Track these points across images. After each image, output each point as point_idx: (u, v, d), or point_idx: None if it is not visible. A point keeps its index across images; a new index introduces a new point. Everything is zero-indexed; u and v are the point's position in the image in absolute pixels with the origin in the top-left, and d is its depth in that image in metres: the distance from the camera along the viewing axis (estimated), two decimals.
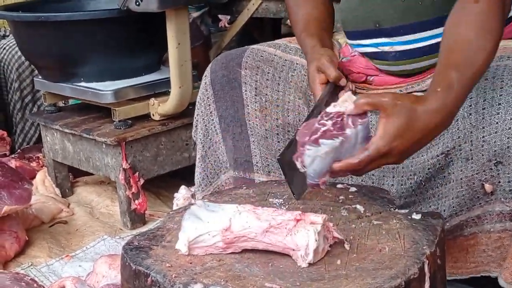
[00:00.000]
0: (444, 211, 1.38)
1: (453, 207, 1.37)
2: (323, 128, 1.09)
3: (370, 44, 1.47)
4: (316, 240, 1.02)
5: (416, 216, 1.16)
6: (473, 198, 1.36)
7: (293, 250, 1.04)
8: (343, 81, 1.38)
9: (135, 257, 1.09)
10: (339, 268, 1.01)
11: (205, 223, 1.08)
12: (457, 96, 1.15)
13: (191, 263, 1.06)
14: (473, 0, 1.22)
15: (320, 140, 1.08)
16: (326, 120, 1.10)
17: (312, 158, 1.09)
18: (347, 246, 1.08)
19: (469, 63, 1.18)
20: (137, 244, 1.14)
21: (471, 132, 1.31)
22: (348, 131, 1.09)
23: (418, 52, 1.42)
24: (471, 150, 1.32)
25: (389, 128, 1.10)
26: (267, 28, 4.27)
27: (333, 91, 1.37)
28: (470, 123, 1.32)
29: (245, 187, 1.38)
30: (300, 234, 1.03)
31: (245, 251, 1.08)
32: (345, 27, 1.54)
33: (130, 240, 1.16)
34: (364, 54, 1.51)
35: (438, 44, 1.37)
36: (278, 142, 1.53)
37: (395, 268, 1.00)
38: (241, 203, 1.27)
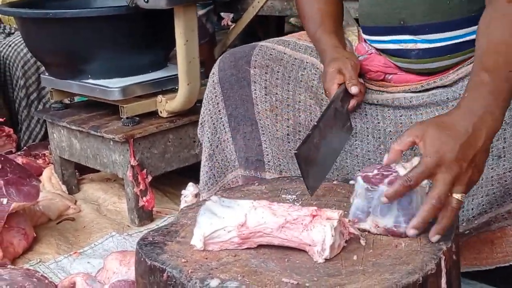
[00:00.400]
0: (472, 209, 1.35)
1: (483, 205, 1.35)
2: (369, 173, 1.11)
3: (391, 41, 1.45)
4: (332, 236, 1.02)
5: None
6: (504, 195, 1.34)
7: (309, 245, 1.04)
8: (354, 89, 1.39)
9: (150, 253, 1.09)
10: (355, 264, 1.01)
11: (220, 219, 1.08)
12: (489, 95, 1.13)
13: (206, 258, 1.06)
14: (506, 1, 1.22)
15: (358, 177, 1.11)
16: (377, 170, 1.11)
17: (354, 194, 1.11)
18: (363, 242, 1.07)
19: (503, 64, 1.16)
20: (151, 239, 1.14)
21: (504, 130, 1.29)
22: (380, 186, 1.09)
23: (442, 51, 1.41)
24: (504, 147, 1.31)
25: (426, 143, 1.08)
26: (271, 26, 4.26)
27: (347, 91, 1.39)
28: (504, 120, 1.29)
29: (257, 184, 1.38)
30: (317, 229, 1.03)
31: (260, 246, 1.08)
32: (365, 22, 1.52)
33: (144, 235, 1.16)
34: (383, 51, 1.50)
35: (462, 43, 1.38)
36: (289, 142, 1.52)
37: (412, 263, 1.00)
38: (254, 199, 1.28)
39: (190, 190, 2.11)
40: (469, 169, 1.09)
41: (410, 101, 1.44)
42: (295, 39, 1.62)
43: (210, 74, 1.61)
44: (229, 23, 4.92)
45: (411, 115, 1.45)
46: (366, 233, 1.10)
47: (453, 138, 1.09)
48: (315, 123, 1.26)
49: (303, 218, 1.04)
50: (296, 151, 1.17)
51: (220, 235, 1.07)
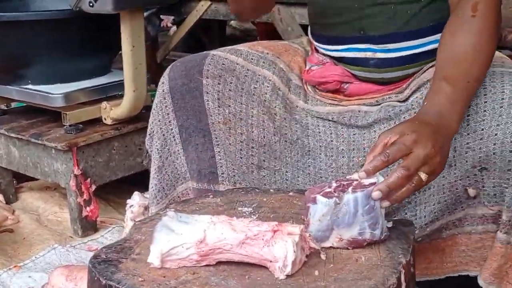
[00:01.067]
0: (425, 217, 1.38)
1: (435, 212, 1.38)
2: (326, 190, 1.10)
3: (349, 49, 1.45)
4: (294, 252, 1.00)
5: (388, 224, 1.16)
6: (455, 202, 1.37)
7: (271, 261, 1.01)
8: None
9: (104, 271, 1.04)
10: (317, 280, 1.00)
11: (178, 235, 1.04)
12: (447, 103, 1.19)
13: (164, 276, 1.02)
14: (470, 14, 1.27)
15: (317, 197, 1.08)
16: (335, 183, 1.11)
17: (312, 216, 1.09)
18: (323, 256, 1.06)
19: (462, 75, 1.22)
20: (104, 257, 1.09)
21: (455, 139, 1.32)
22: (345, 195, 1.08)
23: (400, 61, 1.42)
24: (454, 156, 1.34)
25: (403, 129, 1.14)
26: (213, 30, 4.24)
27: None
28: None
29: (211, 196, 1.35)
30: (278, 245, 1.01)
31: (219, 263, 1.05)
32: (321, 31, 1.51)
33: (96, 253, 1.11)
34: (340, 60, 1.49)
35: (420, 53, 1.40)
36: (241, 158, 1.50)
37: (374, 278, 0.99)
38: (209, 212, 1.25)
39: (136, 199, 2.06)
40: (438, 155, 1.14)
41: (367, 120, 1.45)
42: (248, 48, 1.59)
43: (160, 83, 1.56)
44: (169, 24, 4.87)
45: (364, 133, 1.45)
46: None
47: (425, 125, 1.16)
48: None
49: (264, 233, 1.02)
50: None
51: (178, 252, 1.04)
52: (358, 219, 1.08)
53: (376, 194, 1.08)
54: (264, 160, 1.50)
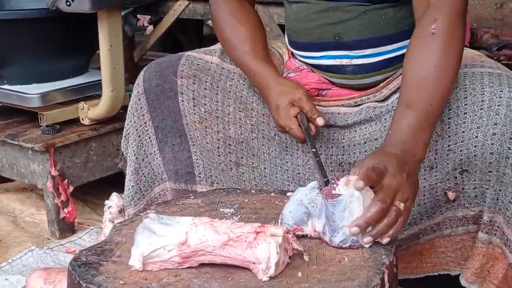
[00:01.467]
0: None
1: (414, 215, 1.38)
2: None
3: (326, 56, 1.44)
4: (277, 253, 0.99)
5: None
6: (434, 206, 1.37)
7: (254, 263, 1.01)
8: (320, 121, 1.36)
9: (84, 274, 1.02)
10: (301, 281, 0.99)
11: (160, 237, 1.03)
12: (409, 130, 1.18)
13: (146, 279, 1.01)
14: (430, 32, 1.23)
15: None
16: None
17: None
18: (306, 258, 1.06)
19: (424, 100, 1.20)
20: (85, 260, 1.07)
21: (436, 141, 1.33)
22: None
23: (377, 66, 1.42)
24: (435, 159, 1.34)
25: (368, 166, 1.09)
26: (190, 29, 4.22)
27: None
28: (435, 132, 1.32)
29: (192, 197, 1.34)
30: (261, 247, 1.00)
31: (201, 265, 1.04)
32: (297, 38, 1.49)
33: (76, 256, 1.09)
34: (316, 67, 1.48)
35: (396, 57, 1.39)
36: (219, 156, 1.49)
37: (357, 279, 0.99)
38: (191, 213, 1.24)
39: (114, 200, 2.04)
40: (408, 180, 1.11)
41: (346, 120, 1.45)
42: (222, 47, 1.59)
43: (135, 85, 1.55)
44: (145, 24, 4.84)
45: (344, 132, 1.45)
46: (309, 247, 1.09)
47: (389, 156, 1.12)
48: (313, 150, 1.27)
49: (246, 235, 1.02)
50: (326, 179, 1.19)
51: (160, 254, 1.03)
52: (323, 219, 1.09)
53: (354, 230, 1.04)
54: (242, 157, 1.49)
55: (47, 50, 2.20)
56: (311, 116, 1.35)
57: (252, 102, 1.50)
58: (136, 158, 1.55)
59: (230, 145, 1.49)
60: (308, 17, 1.44)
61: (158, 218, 1.06)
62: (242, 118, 1.49)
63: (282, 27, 1.60)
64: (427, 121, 1.20)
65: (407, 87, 1.23)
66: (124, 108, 2.30)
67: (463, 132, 1.30)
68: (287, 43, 1.56)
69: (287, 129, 1.36)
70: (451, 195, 1.34)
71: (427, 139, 1.21)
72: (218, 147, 1.49)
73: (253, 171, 1.50)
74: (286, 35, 1.56)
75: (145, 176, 1.56)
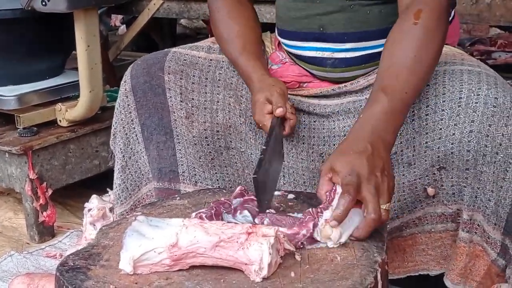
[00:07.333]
0: None
1: (394, 210, 1.38)
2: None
3: (309, 47, 1.45)
4: (270, 254, 0.98)
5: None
6: (414, 201, 1.37)
7: (246, 264, 1.00)
8: (278, 111, 1.34)
9: (72, 279, 1.00)
10: (294, 281, 0.98)
11: (149, 240, 1.01)
12: (383, 115, 1.17)
13: (136, 283, 0.99)
14: (412, 22, 1.24)
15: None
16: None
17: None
18: (298, 257, 1.05)
19: (400, 86, 1.20)
20: (72, 264, 1.05)
21: (413, 138, 1.33)
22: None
23: (357, 61, 1.42)
24: (413, 155, 1.34)
25: (340, 171, 1.10)
26: (164, 28, 4.19)
27: (281, 122, 1.36)
28: (413, 129, 1.33)
29: (178, 198, 1.32)
30: (253, 247, 0.99)
31: (192, 267, 1.03)
32: (284, 26, 1.51)
33: (64, 260, 1.07)
34: (299, 58, 1.49)
35: (377, 53, 1.39)
36: (208, 145, 1.48)
37: (351, 278, 0.98)
38: (177, 214, 1.23)
39: (94, 203, 2.01)
40: (384, 177, 1.11)
41: (325, 109, 1.45)
42: (209, 43, 1.59)
43: (122, 82, 1.53)
44: (118, 23, 4.79)
45: (323, 121, 1.46)
46: (300, 247, 1.08)
47: (358, 156, 1.11)
48: (264, 147, 1.23)
49: (238, 236, 1.00)
50: (254, 176, 1.14)
51: (150, 257, 1.01)
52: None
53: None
54: (231, 141, 1.49)
55: (22, 51, 2.16)
56: (274, 107, 1.34)
57: (242, 90, 1.50)
58: (123, 156, 1.54)
59: (218, 131, 1.48)
60: (296, 6, 1.45)
61: (147, 220, 1.05)
62: (232, 104, 1.49)
63: (273, 27, 1.63)
64: (400, 108, 1.20)
65: (384, 73, 1.23)
66: (102, 108, 2.28)
67: (440, 129, 1.30)
68: (276, 32, 1.57)
69: (260, 124, 1.37)
70: (430, 190, 1.34)
71: (398, 126, 1.20)
72: (206, 137, 1.48)
73: (241, 155, 1.50)
74: (276, 24, 1.57)
75: (131, 175, 1.55)
